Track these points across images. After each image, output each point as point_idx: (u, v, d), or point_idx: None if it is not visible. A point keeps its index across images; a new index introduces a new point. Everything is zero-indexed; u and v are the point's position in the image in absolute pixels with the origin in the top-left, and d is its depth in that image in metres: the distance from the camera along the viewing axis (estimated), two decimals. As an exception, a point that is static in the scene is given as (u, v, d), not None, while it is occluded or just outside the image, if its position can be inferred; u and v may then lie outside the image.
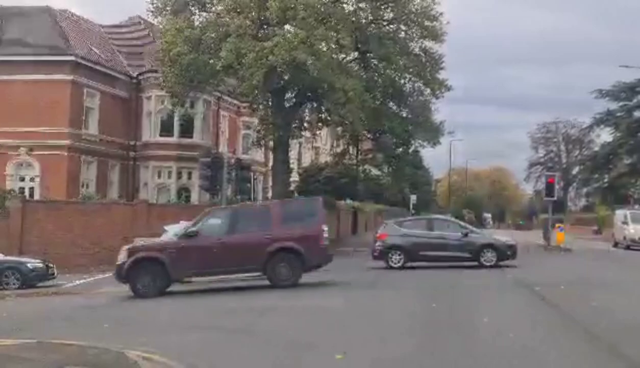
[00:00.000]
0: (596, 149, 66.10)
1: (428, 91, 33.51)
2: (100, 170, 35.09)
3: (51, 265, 22.94)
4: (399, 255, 22.16)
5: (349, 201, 42.82)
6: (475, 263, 21.62)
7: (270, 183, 36.97)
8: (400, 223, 24.02)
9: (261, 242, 16.48)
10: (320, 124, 35.44)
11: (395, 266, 21.90)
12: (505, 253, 22.13)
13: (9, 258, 23.09)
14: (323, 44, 27.83)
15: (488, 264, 21.52)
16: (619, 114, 55.84)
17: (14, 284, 21.50)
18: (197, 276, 17.00)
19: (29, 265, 22.24)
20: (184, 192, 35.29)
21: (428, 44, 32.50)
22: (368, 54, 32.41)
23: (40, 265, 22.51)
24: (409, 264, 22.00)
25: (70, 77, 32.62)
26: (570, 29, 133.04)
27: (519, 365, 8.32)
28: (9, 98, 31.63)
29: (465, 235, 22.46)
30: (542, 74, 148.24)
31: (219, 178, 21.99)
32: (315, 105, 32.43)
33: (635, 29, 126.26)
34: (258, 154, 41.10)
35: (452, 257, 22.09)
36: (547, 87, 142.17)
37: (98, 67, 34.74)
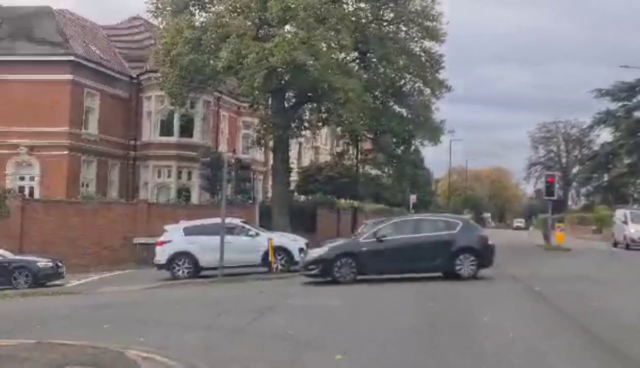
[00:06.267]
0: (596, 149, 66.09)
1: (428, 91, 33.48)
2: (100, 170, 35.10)
3: (60, 264, 22.96)
4: None
5: (348, 201, 42.79)
6: None
7: (270, 183, 36.95)
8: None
9: None
10: (320, 124, 35.40)
11: None
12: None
13: (18, 257, 23.12)
14: (323, 44, 27.78)
15: None
16: (619, 114, 55.85)
17: (25, 283, 21.53)
18: None
19: (38, 264, 22.26)
20: (184, 192, 35.28)
21: (428, 44, 32.50)
22: (368, 54, 32.35)
23: (50, 264, 22.54)
24: None
25: (70, 77, 32.62)
26: (570, 28, 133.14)
27: (518, 365, 8.32)
28: (9, 98, 31.64)
29: None
30: (539, 74, 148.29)
31: (219, 178, 21.95)
32: (315, 105, 32.38)
33: (635, 29, 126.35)
34: (258, 154, 41.08)
35: None
36: (547, 87, 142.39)
37: (98, 67, 34.74)
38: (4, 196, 26.75)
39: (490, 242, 18.87)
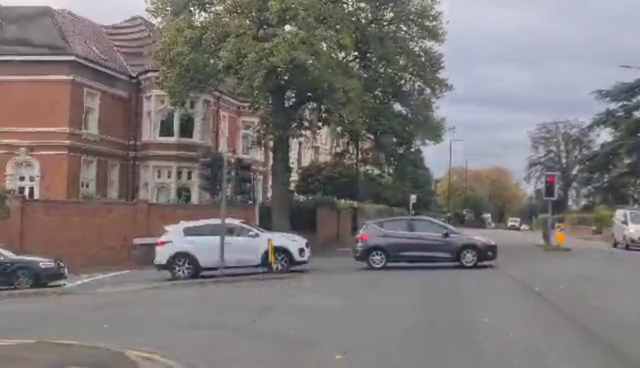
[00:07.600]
0: (596, 149, 66.08)
1: (428, 90, 33.51)
2: (100, 170, 35.07)
3: (62, 265, 22.90)
4: (380, 255, 21.96)
5: (348, 201, 42.80)
6: (457, 264, 21.49)
7: (270, 183, 36.95)
8: (381, 224, 23.90)
9: None
10: (320, 123, 35.41)
11: (377, 266, 21.74)
12: (486, 253, 21.93)
13: (21, 257, 23.04)
14: (323, 44, 27.80)
15: (468, 264, 21.34)
16: (618, 114, 55.84)
17: (26, 283, 21.49)
18: None
19: (41, 264, 22.19)
20: (184, 192, 35.26)
21: (428, 43, 32.54)
22: (368, 54, 32.39)
23: (52, 264, 22.48)
24: (390, 264, 21.85)
25: (70, 77, 32.58)
26: (570, 28, 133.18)
27: (518, 366, 8.32)
28: (9, 98, 31.60)
29: (446, 235, 22.31)
30: (539, 74, 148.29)
31: (219, 178, 21.95)
32: (315, 105, 32.40)
33: (635, 29, 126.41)
34: (258, 154, 41.07)
35: (432, 257, 21.91)
36: (547, 87, 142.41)
37: (98, 67, 34.71)
38: (4, 197, 26.72)
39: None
